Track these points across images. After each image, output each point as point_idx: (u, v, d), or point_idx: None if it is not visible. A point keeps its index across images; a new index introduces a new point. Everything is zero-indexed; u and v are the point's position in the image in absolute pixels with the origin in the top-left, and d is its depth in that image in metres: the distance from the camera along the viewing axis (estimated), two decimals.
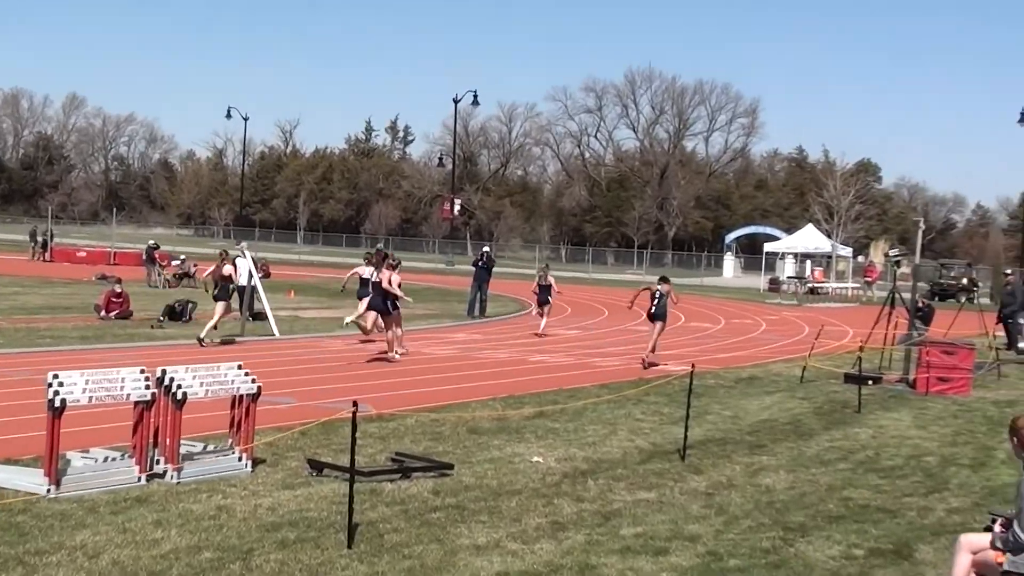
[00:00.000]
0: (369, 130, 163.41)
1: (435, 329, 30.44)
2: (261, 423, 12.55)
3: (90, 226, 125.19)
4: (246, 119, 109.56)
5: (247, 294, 27.48)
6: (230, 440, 11.97)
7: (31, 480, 10.45)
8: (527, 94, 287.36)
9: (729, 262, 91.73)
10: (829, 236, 71.00)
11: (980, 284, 65.86)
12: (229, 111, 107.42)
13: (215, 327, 24.43)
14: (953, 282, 64.47)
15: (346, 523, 9.26)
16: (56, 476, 10.32)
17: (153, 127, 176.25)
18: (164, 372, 11.09)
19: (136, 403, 10.85)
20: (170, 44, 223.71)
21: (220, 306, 24.53)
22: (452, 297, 42.81)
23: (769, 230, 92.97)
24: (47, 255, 62.71)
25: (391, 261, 23.93)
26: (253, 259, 28.72)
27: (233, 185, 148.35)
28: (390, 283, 23.15)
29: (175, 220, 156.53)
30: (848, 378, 21.69)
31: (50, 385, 10.22)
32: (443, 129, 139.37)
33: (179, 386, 11.00)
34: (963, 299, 54.12)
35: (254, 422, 11.84)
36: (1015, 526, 7.66)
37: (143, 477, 10.90)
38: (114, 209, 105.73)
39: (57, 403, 10.14)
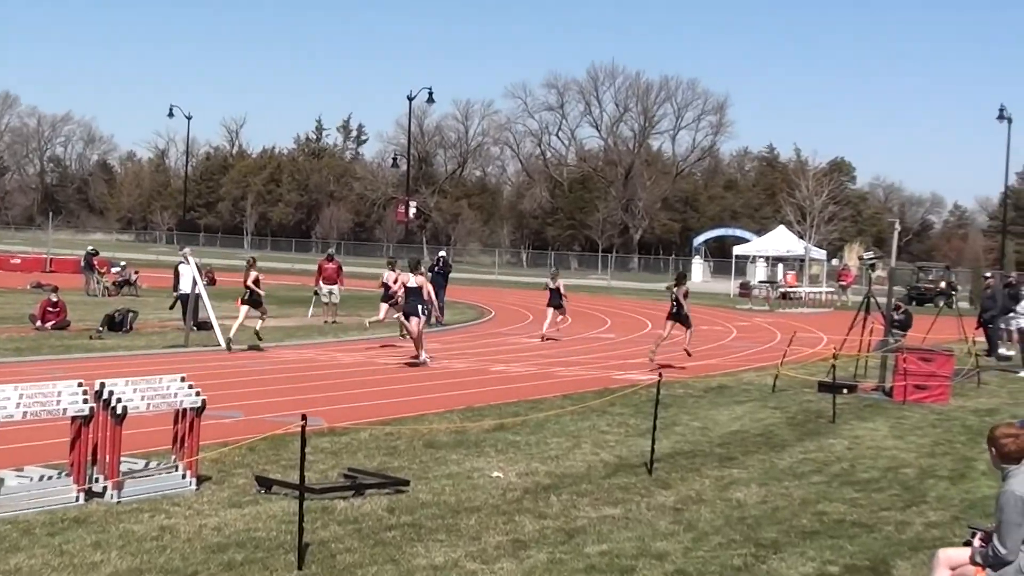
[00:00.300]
0: (320, 129, 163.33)
1: (390, 338, 30.37)
2: (206, 438, 12.49)
3: (25, 231, 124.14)
4: (189, 118, 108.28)
5: (191, 302, 27.35)
6: (173, 457, 11.90)
7: None
8: (485, 91, 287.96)
9: (697, 266, 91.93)
10: (802, 238, 71.26)
11: (959, 288, 66.42)
12: (171, 109, 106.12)
13: (258, 331, 26.45)
14: (931, 286, 64.96)
15: (296, 543, 9.23)
16: None
17: (91, 127, 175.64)
18: (103, 385, 11.02)
19: (73, 418, 10.78)
20: (109, 38, 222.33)
21: (243, 310, 26.58)
22: None
23: (739, 232, 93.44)
24: None
25: (422, 268, 26.15)
26: (197, 265, 28.58)
27: (176, 188, 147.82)
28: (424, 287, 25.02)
29: (115, 225, 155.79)
30: (822, 387, 21.78)
31: None
32: (397, 128, 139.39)
33: (119, 400, 10.93)
34: (941, 303, 54.50)
35: (199, 437, 11.77)
36: (995, 540, 7.72)
37: (81, 496, 10.82)
38: (50, 213, 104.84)
39: None
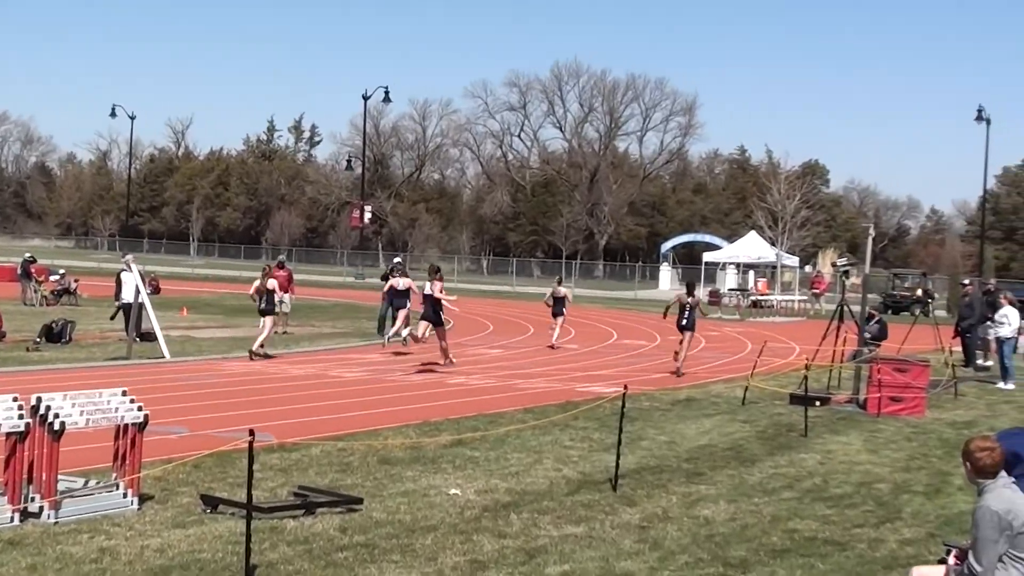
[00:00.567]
0: (271, 130, 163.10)
1: (343, 349, 30.33)
2: (149, 455, 12.44)
3: None
4: (133, 118, 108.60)
5: (134, 312, 27.21)
6: (114, 475, 11.84)
7: None
8: (444, 90, 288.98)
9: (665, 273, 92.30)
10: (773, 244, 71.59)
11: (936, 295, 66.96)
12: (114, 109, 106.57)
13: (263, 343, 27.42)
14: (907, 293, 65.41)
15: (243, 565, 9.21)
16: None
17: (29, 127, 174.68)
18: (40, 400, 10.96)
19: (8, 434, 10.71)
20: (48, 33, 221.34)
21: (268, 320, 27.86)
22: (362, 314, 42.68)
23: (708, 238, 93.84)
24: None
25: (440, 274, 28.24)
26: (140, 273, 28.45)
27: (119, 191, 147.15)
28: (441, 293, 27.08)
29: (54, 230, 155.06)
30: (794, 399, 21.88)
31: None
32: (352, 129, 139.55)
33: (56, 415, 10.87)
34: (917, 312, 55.02)
35: (141, 454, 11.72)
36: (970, 558, 7.76)
37: (16, 516, 10.75)
38: None
39: None
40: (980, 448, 8.03)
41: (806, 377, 20.57)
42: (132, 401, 11.67)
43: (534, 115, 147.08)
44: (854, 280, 33.65)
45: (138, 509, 11.50)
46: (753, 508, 12.94)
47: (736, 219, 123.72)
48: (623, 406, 14.51)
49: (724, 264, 74.64)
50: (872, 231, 26.88)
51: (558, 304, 34.05)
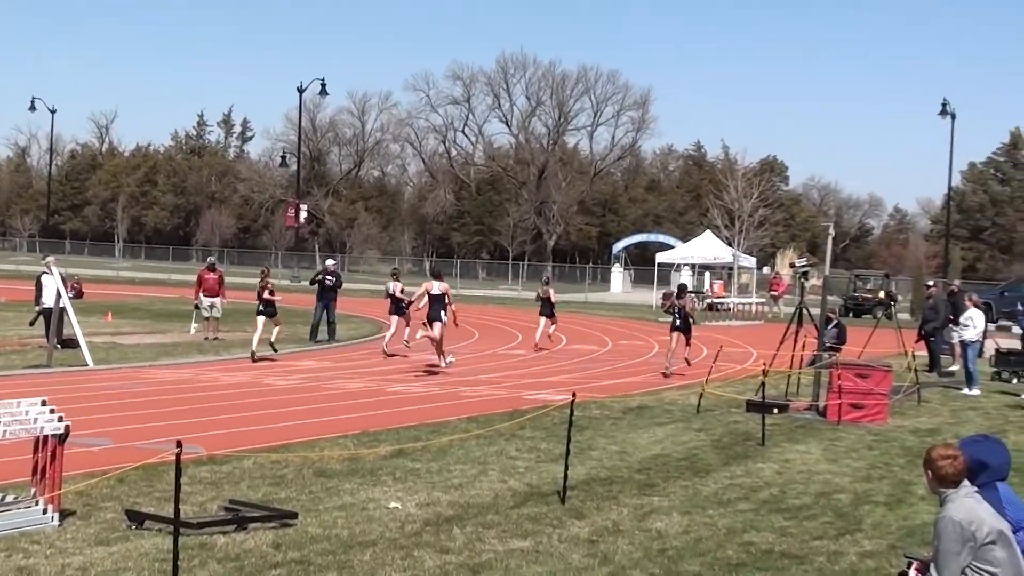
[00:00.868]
0: (201, 125, 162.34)
1: (277, 355, 30.24)
2: (70, 469, 12.37)
3: None
4: (53, 112, 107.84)
5: (55, 317, 27.02)
6: (33, 489, 11.77)
7: None
8: (383, 82, 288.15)
9: (617, 275, 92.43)
10: (730, 244, 72.03)
11: (899, 297, 67.38)
12: (33, 102, 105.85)
13: (273, 342, 29.55)
14: (869, 295, 65.76)
15: None
16: None
17: None
18: None
19: None
20: None
21: (261, 320, 29.77)
22: (298, 319, 42.45)
23: (662, 238, 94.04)
24: None
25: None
26: (62, 276, 28.26)
27: (38, 189, 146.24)
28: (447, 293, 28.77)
29: None
30: (751, 406, 21.94)
31: None
32: (286, 123, 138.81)
33: None
34: (880, 314, 55.35)
35: (62, 468, 11.65)
36: (932, 570, 7.82)
37: None
38: None
39: None
40: (942, 456, 8.05)
41: (763, 383, 20.66)
42: (52, 411, 11.60)
43: (479, 109, 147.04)
44: (814, 282, 33.89)
45: (59, 525, 11.42)
46: (708, 520, 12.99)
47: (691, 218, 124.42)
48: (571, 414, 14.54)
49: (678, 265, 74.78)
50: (832, 230, 27.03)
51: (545, 305, 37.07)
